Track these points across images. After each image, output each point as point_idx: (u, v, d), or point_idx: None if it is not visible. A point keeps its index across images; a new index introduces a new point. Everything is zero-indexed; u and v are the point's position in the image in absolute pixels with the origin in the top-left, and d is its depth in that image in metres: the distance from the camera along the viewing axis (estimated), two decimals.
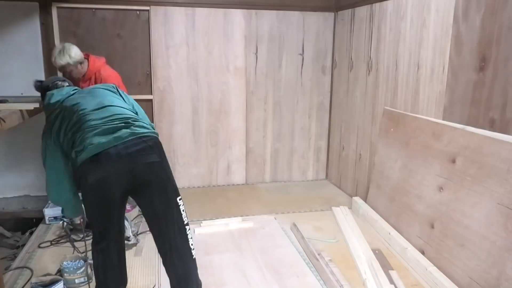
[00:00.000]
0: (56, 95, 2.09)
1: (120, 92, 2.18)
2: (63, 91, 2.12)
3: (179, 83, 3.84)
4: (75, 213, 2.23)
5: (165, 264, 1.96)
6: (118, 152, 1.72)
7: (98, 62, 3.11)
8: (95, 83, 3.01)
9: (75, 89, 2.19)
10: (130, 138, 1.76)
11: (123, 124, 1.81)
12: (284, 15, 3.92)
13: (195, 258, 1.97)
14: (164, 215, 1.86)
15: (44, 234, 2.99)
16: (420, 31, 2.78)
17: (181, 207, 1.91)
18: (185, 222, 1.92)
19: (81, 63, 2.99)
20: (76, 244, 2.77)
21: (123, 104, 2.01)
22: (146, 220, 1.95)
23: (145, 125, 1.89)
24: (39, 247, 2.79)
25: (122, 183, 1.77)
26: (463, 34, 2.41)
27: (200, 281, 2.05)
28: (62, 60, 2.90)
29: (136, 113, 2.04)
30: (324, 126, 4.30)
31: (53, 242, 2.83)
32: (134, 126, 1.82)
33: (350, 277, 2.41)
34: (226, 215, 3.34)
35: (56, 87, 2.19)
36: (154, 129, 1.95)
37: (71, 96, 2.06)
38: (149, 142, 1.83)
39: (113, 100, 2.00)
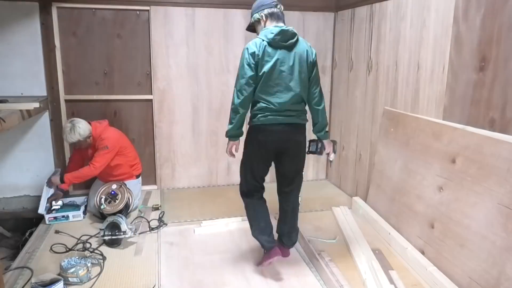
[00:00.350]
0: (280, 36, 2.32)
1: (305, 74, 2.39)
2: (279, 33, 2.33)
3: (179, 83, 3.84)
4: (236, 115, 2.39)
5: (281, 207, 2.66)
6: (284, 128, 2.36)
7: (100, 127, 3.25)
8: (95, 147, 3.24)
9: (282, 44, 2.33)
10: (293, 123, 2.39)
11: (294, 114, 2.39)
12: (284, 15, 3.91)
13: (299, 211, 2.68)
14: (292, 178, 2.54)
15: (44, 234, 2.99)
16: (420, 31, 2.78)
17: (302, 177, 2.60)
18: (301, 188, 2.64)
19: (89, 137, 3.20)
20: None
21: (302, 92, 2.39)
22: (277, 178, 2.59)
23: (303, 117, 2.46)
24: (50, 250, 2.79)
25: (277, 148, 2.41)
26: (463, 34, 2.41)
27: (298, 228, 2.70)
28: (73, 138, 3.10)
29: (304, 97, 2.44)
30: None
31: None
32: (299, 117, 2.42)
33: (350, 277, 2.41)
34: (226, 215, 3.34)
35: (277, 17, 2.45)
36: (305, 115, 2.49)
37: (283, 53, 2.32)
38: (302, 129, 2.47)
39: (299, 88, 2.37)
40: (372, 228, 3.06)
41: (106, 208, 3.05)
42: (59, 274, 2.34)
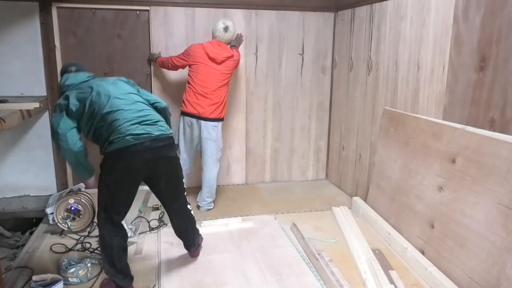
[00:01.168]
0: (71, 79, 2.33)
1: (137, 87, 2.44)
2: (78, 76, 2.35)
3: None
4: (85, 174, 2.40)
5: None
6: (149, 145, 2.11)
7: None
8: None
9: (90, 76, 2.38)
10: (157, 134, 2.15)
11: (152, 123, 2.19)
12: (284, 15, 3.92)
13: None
14: (172, 198, 2.38)
15: (44, 234, 2.99)
16: (420, 31, 2.78)
17: (185, 194, 2.46)
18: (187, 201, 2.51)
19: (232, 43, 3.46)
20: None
21: (144, 100, 2.34)
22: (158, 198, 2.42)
23: (165, 124, 2.27)
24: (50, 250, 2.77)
25: (146, 170, 2.17)
26: (463, 34, 2.41)
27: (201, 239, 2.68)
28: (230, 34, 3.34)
29: (154, 108, 2.37)
30: (324, 126, 4.29)
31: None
32: (159, 125, 2.21)
33: (350, 277, 2.42)
34: (226, 215, 3.34)
35: (71, 72, 2.39)
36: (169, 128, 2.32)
37: (95, 82, 2.29)
38: (170, 141, 2.24)
39: (137, 96, 2.32)
40: (372, 228, 3.06)
41: (73, 224, 2.92)
42: (59, 274, 2.34)
